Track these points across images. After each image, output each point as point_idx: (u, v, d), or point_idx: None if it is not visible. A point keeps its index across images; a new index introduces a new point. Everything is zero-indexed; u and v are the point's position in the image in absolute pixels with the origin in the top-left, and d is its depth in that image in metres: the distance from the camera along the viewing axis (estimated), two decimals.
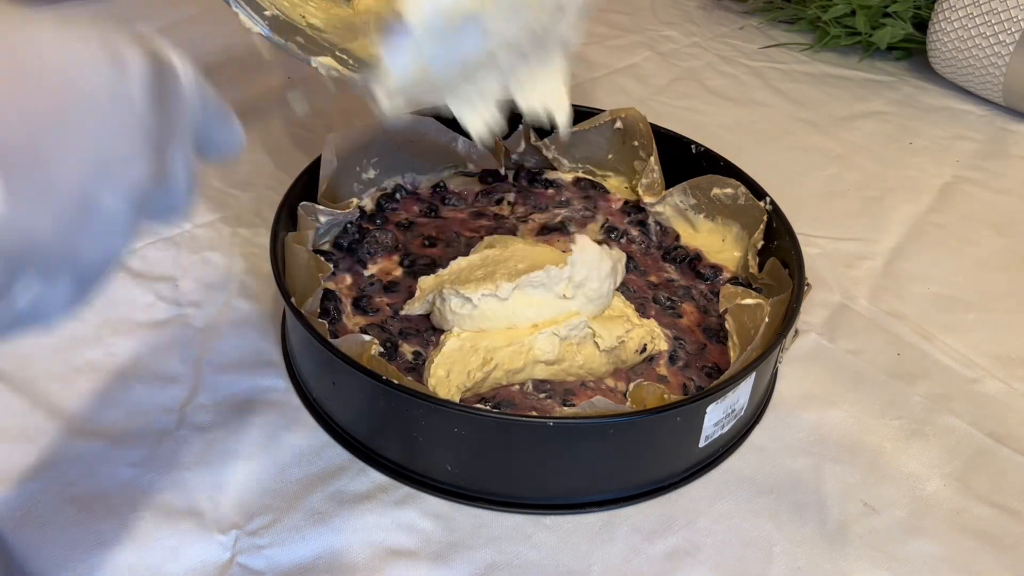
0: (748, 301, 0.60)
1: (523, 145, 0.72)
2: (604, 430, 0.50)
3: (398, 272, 0.64)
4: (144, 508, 0.51)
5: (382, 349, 0.57)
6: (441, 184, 0.71)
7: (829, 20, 0.96)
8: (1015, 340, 0.66)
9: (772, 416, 0.59)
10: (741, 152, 0.70)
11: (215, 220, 0.70)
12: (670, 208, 0.69)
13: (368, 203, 0.68)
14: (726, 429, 0.54)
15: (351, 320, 0.60)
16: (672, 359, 0.59)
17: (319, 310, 0.57)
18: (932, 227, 0.76)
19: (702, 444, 0.53)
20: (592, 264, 0.57)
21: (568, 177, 0.73)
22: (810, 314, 0.66)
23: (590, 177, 0.72)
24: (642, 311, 0.61)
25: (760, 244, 0.64)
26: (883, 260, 0.72)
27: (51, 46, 0.30)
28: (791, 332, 0.58)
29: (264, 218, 0.70)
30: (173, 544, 0.49)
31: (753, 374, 0.53)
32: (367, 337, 0.53)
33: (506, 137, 0.72)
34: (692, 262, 0.66)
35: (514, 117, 0.71)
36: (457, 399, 0.53)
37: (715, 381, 0.55)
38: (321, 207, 0.63)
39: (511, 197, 0.71)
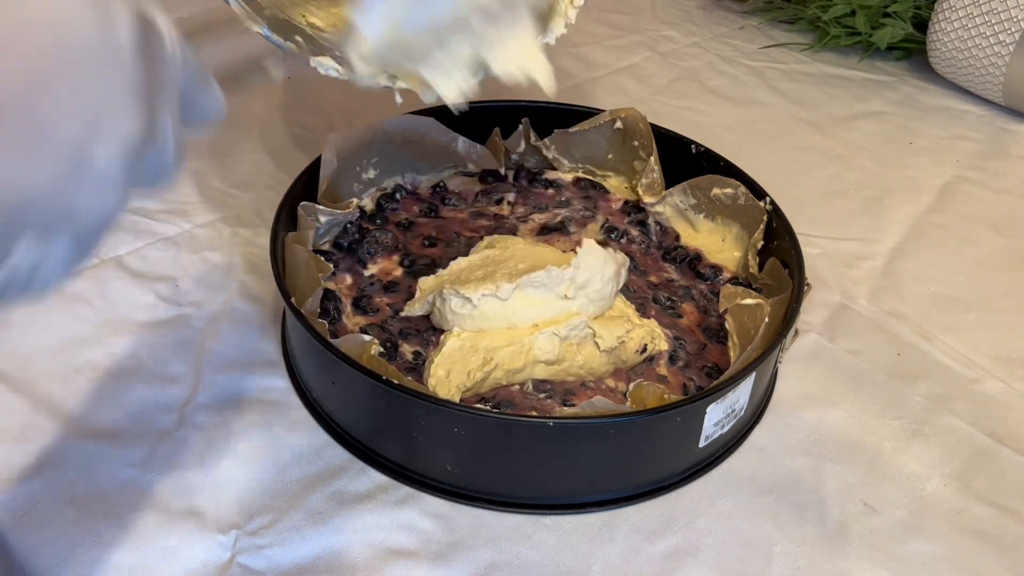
0: (748, 301, 0.60)
1: (523, 145, 0.72)
2: (604, 430, 0.50)
3: (398, 272, 0.64)
4: (144, 508, 0.51)
5: (382, 349, 0.57)
6: (441, 184, 0.71)
7: (829, 20, 0.96)
8: (1015, 340, 0.66)
9: (772, 416, 0.59)
10: (741, 152, 0.70)
11: (215, 220, 0.70)
12: (670, 208, 0.69)
13: (368, 203, 0.68)
14: (726, 429, 0.54)
15: (351, 320, 0.60)
16: (672, 359, 0.59)
17: (319, 310, 0.57)
18: (932, 227, 0.76)
19: (702, 444, 0.53)
20: (596, 267, 0.57)
21: (568, 177, 0.73)
22: (810, 314, 0.66)
23: (590, 177, 0.72)
24: (642, 311, 0.61)
25: (760, 244, 0.64)
26: (883, 260, 0.72)
27: (39, 1, 0.30)
28: (791, 332, 0.58)
29: (264, 218, 0.70)
30: (173, 544, 0.49)
31: (753, 374, 0.53)
32: (367, 337, 0.53)
33: (506, 137, 0.72)
34: (692, 262, 0.66)
35: (514, 117, 0.71)
36: (457, 399, 0.53)
37: (715, 381, 0.55)
38: (321, 207, 0.63)
39: (511, 197, 0.71)
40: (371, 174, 0.68)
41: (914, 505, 0.54)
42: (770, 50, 0.98)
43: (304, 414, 0.57)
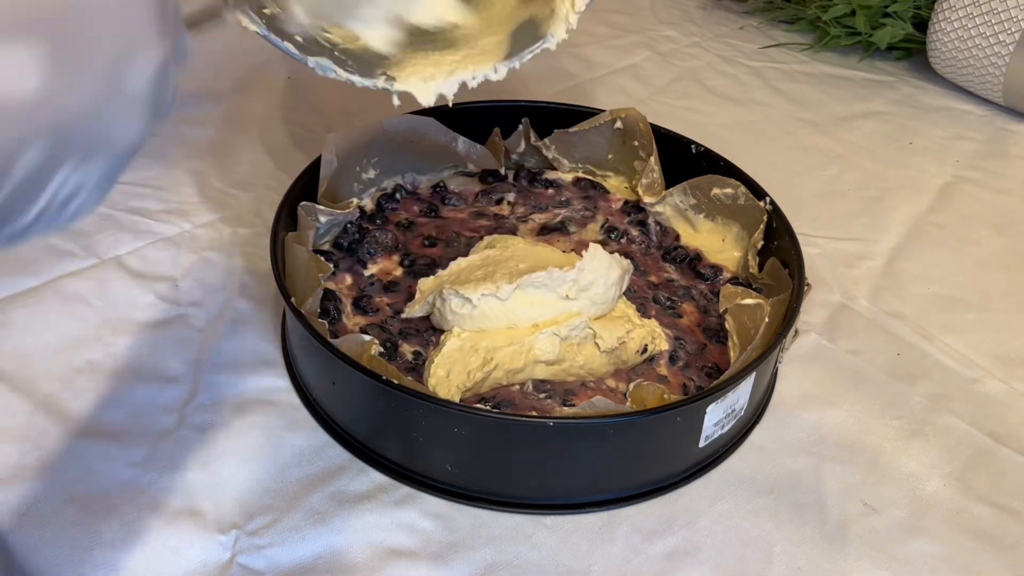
0: (748, 301, 0.60)
1: (523, 145, 0.72)
2: (604, 430, 0.50)
3: (398, 272, 0.64)
4: (144, 508, 0.51)
5: (382, 349, 0.57)
6: (441, 184, 0.71)
7: (829, 20, 0.96)
8: (1015, 340, 0.66)
9: (772, 416, 0.59)
10: (741, 152, 0.70)
11: (215, 220, 0.70)
12: (670, 208, 0.69)
13: (368, 203, 0.68)
14: (726, 429, 0.54)
15: (351, 320, 0.60)
16: (672, 359, 0.59)
17: (319, 310, 0.57)
18: (932, 227, 0.76)
19: (702, 444, 0.53)
20: (600, 271, 0.57)
21: (568, 177, 0.73)
22: (810, 314, 0.66)
23: (590, 177, 0.72)
24: (642, 311, 0.61)
25: (760, 244, 0.64)
26: (883, 260, 0.72)
27: None
28: (791, 332, 0.58)
29: (264, 218, 0.70)
30: (173, 544, 0.49)
31: (753, 374, 0.53)
32: (367, 337, 0.53)
33: (506, 137, 0.72)
34: (692, 262, 0.66)
35: (514, 117, 0.71)
36: (457, 399, 0.53)
37: (715, 381, 0.55)
38: (321, 207, 0.63)
39: (511, 197, 0.71)
40: (371, 174, 0.68)
41: (914, 505, 0.54)
42: (770, 50, 0.98)
43: (304, 414, 0.57)
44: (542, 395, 0.56)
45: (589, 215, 0.70)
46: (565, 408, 0.54)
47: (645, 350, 0.58)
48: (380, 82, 0.52)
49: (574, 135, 0.71)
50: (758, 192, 0.65)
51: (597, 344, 0.57)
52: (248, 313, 0.63)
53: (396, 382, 0.50)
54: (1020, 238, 0.75)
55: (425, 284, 0.60)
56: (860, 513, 0.54)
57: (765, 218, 0.64)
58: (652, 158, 0.68)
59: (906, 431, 0.59)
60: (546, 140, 0.72)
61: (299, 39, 0.51)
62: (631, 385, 0.52)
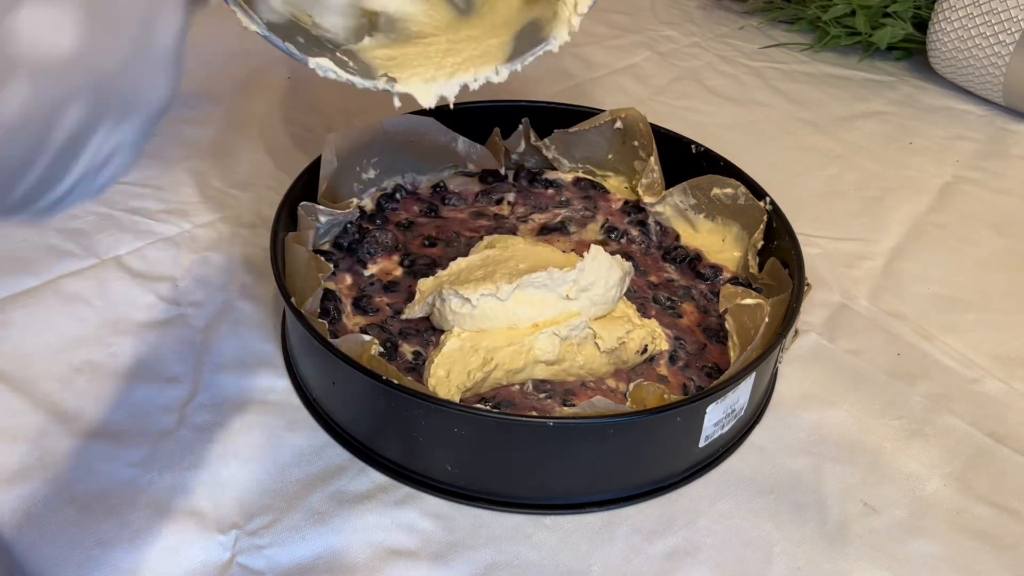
0: (748, 301, 0.60)
1: (523, 145, 0.72)
2: (604, 430, 0.50)
3: (398, 272, 0.64)
4: (144, 508, 0.51)
5: (382, 349, 0.57)
6: (441, 184, 0.71)
7: (829, 20, 0.96)
8: (1015, 340, 0.66)
9: (772, 416, 0.59)
10: (741, 152, 0.70)
11: (215, 220, 0.70)
12: (670, 208, 0.69)
13: (368, 203, 0.68)
14: (726, 429, 0.54)
15: (351, 320, 0.60)
16: (672, 359, 0.59)
17: (319, 310, 0.57)
18: (932, 227, 0.76)
19: (702, 444, 0.53)
20: (601, 272, 0.57)
21: (568, 177, 0.73)
22: (810, 314, 0.66)
23: (590, 177, 0.72)
24: (642, 311, 0.61)
25: (760, 244, 0.64)
26: (883, 260, 0.72)
27: None
28: (791, 332, 0.58)
29: (264, 218, 0.70)
30: (173, 544, 0.49)
31: (753, 374, 0.53)
32: (367, 337, 0.53)
33: (506, 137, 0.72)
34: (692, 262, 0.66)
35: (514, 117, 0.71)
36: (457, 399, 0.53)
37: (715, 381, 0.55)
38: (321, 207, 0.63)
39: (511, 197, 0.71)
40: (371, 174, 0.68)
41: (914, 505, 0.54)
42: (770, 50, 0.98)
43: (304, 414, 0.57)
44: (542, 395, 0.56)
45: (589, 215, 0.70)
46: (565, 408, 0.54)
47: (645, 350, 0.58)
48: (381, 83, 0.52)
49: (574, 135, 0.71)
50: (758, 192, 0.65)
51: (597, 344, 0.57)
52: (248, 313, 0.63)
53: (396, 382, 0.50)
54: (1020, 238, 0.75)
55: (425, 285, 0.60)
56: (860, 513, 0.54)
57: (765, 218, 0.64)
58: (652, 158, 0.68)
59: (906, 431, 0.59)
60: (546, 140, 0.72)
61: (301, 39, 0.51)
62: (631, 385, 0.52)
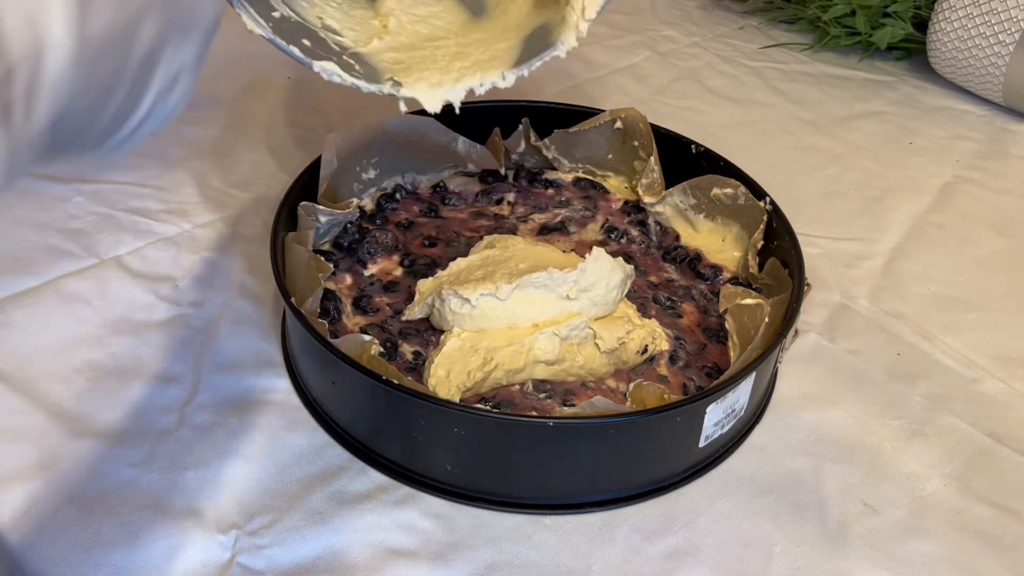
0: (748, 301, 0.60)
1: (523, 145, 0.72)
2: (604, 430, 0.50)
3: (398, 272, 0.64)
4: (144, 508, 0.51)
5: (382, 349, 0.57)
6: (441, 184, 0.71)
7: (829, 20, 0.96)
8: (1015, 340, 0.66)
9: (772, 416, 0.59)
10: (741, 152, 0.70)
11: (215, 220, 0.70)
12: (670, 208, 0.69)
13: (368, 203, 0.68)
14: (726, 429, 0.54)
15: (351, 320, 0.60)
16: (672, 359, 0.59)
17: (319, 310, 0.57)
18: (932, 227, 0.76)
19: (702, 444, 0.53)
20: (602, 274, 0.57)
21: (568, 177, 0.73)
22: (810, 314, 0.66)
23: (590, 177, 0.72)
24: (642, 311, 0.61)
25: (760, 244, 0.64)
26: (883, 260, 0.72)
27: None
28: (791, 332, 0.58)
29: (264, 218, 0.70)
30: (173, 544, 0.49)
31: (753, 374, 0.53)
32: (367, 337, 0.53)
33: (506, 137, 0.72)
34: (692, 262, 0.66)
35: (514, 117, 0.71)
36: (457, 399, 0.53)
37: (715, 381, 0.55)
38: (321, 207, 0.63)
39: (511, 197, 0.71)
40: (371, 174, 0.68)
41: (914, 505, 0.54)
42: (770, 50, 0.98)
43: (304, 414, 0.57)
44: (542, 395, 0.56)
45: (589, 215, 0.70)
46: (565, 408, 0.54)
47: (645, 350, 0.58)
48: (386, 88, 0.51)
49: (574, 135, 0.71)
50: (758, 192, 0.65)
51: (597, 344, 0.57)
52: (248, 313, 0.63)
53: (396, 382, 0.50)
54: (1020, 238, 0.75)
55: (424, 285, 0.60)
56: (860, 513, 0.54)
57: (765, 218, 0.64)
58: (652, 158, 0.68)
59: (906, 431, 0.59)
60: (546, 140, 0.72)
61: (306, 42, 0.51)
62: (631, 385, 0.52)
